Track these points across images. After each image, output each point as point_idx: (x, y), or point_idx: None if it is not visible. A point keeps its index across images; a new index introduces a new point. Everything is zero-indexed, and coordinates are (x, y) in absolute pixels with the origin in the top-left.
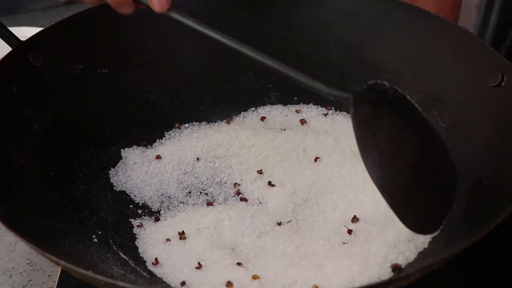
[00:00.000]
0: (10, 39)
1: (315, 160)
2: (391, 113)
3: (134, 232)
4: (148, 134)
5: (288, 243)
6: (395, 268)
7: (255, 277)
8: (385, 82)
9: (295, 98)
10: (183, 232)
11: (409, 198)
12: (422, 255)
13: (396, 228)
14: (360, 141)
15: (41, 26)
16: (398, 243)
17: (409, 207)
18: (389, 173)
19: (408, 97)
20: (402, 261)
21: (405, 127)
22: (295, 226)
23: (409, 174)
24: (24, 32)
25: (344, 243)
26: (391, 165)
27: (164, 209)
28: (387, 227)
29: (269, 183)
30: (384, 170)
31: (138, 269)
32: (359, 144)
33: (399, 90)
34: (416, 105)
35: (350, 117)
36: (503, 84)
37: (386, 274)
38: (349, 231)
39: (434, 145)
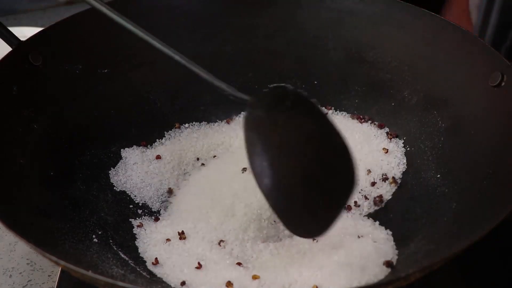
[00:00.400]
0: (10, 39)
1: None
2: (289, 116)
3: (134, 232)
4: (148, 134)
5: (288, 243)
6: (388, 264)
7: (255, 277)
8: (286, 85)
9: None
10: (183, 232)
11: (295, 203)
12: (421, 255)
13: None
14: (249, 144)
15: (41, 26)
16: (388, 241)
17: (293, 211)
18: (276, 178)
19: (313, 100)
20: (394, 258)
21: (303, 131)
22: None
23: (298, 179)
24: (24, 32)
25: (340, 242)
26: (279, 169)
27: (164, 209)
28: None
29: None
30: (271, 175)
31: (138, 269)
32: (247, 147)
33: (303, 92)
34: (322, 109)
35: (244, 120)
36: (503, 84)
37: (384, 273)
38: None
39: (333, 149)
